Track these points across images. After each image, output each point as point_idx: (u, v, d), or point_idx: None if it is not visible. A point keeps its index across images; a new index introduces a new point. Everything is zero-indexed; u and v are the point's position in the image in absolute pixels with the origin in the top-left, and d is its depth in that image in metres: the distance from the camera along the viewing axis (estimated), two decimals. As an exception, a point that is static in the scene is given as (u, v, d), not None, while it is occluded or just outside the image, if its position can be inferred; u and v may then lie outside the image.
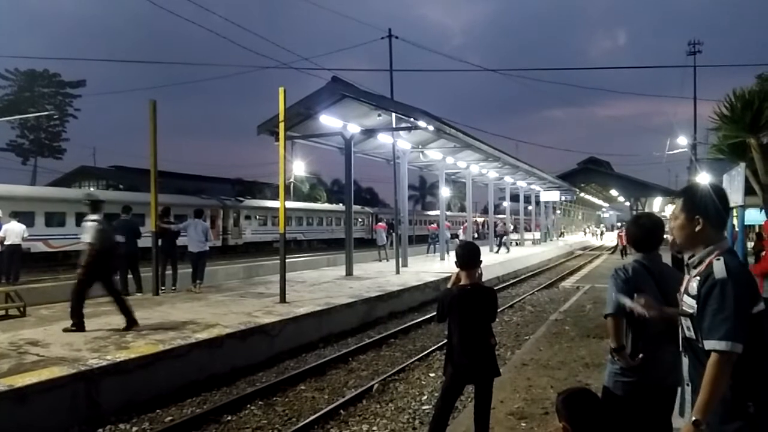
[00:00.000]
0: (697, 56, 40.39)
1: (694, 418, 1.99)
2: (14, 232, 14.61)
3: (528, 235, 41.17)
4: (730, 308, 2.00)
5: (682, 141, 32.60)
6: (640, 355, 2.86)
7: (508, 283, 18.58)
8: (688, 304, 2.18)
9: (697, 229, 2.23)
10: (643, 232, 3.07)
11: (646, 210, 52.07)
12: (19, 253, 15.06)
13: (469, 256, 4.08)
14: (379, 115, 15.95)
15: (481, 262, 4.14)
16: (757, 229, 15.61)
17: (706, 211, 2.23)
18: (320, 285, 13.45)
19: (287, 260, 11.35)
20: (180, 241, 12.39)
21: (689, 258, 2.30)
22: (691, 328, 2.17)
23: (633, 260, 3.03)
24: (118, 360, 6.13)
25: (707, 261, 2.16)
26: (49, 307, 10.01)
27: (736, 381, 2.02)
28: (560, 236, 53.20)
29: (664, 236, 3.27)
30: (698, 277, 2.16)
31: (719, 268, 2.08)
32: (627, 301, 2.75)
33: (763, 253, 7.70)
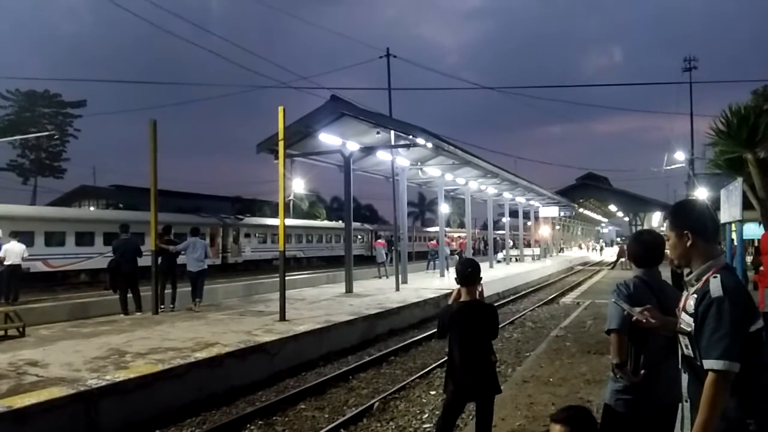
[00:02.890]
0: (692, 72, 40.72)
1: None
2: (14, 252, 14.60)
3: (528, 251, 41.13)
4: (726, 327, 2.00)
5: (680, 156, 32.75)
6: (642, 371, 2.85)
7: (508, 300, 18.53)
8: (686, 322, 2.18)
9: (689, 244, 2.24)
10: (644, 248, 3.10)
11: (645, 225, 52.09)
12: (19, 272, 15.04)
13: (469, 273, 4.10)
14: (378, 133, 16.04)
15: (481, 278, 4.16)
16: (755, 243, 15.62)
17: (694, 226, 2.25)
18: (320, 302, 13.42)
19: (287, 278, 11.35)
20: (179, 259, 12.37)
21: (687, 275, 2.31)
22: (690, 347, 2.17)
23: (634, 276, 3.05)
24: (118, 380, 6.10)
25: (704, 278, 2.16)
26: (48, 327, 9.97)
27: (738, 398, 2.02)
28: (560, 251, 53.14)
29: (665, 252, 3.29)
30: (695, 295, 2.16)
31: (716, 286, 2.08)
32: (627, 307, 2.75)
33: (761, 267, 7.70)
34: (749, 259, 15.15)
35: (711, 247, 2.26)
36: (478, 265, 4.21)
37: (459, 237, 32.76)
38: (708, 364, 2.01)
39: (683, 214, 2.34)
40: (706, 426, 1.97)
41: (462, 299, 4.10)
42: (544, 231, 43.56)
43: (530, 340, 11.17)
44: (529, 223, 42.94)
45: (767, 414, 2.03)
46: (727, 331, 1.99)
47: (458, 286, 4.14)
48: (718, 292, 2.06)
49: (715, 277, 2.11)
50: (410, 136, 15.82)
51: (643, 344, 2.86)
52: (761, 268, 7.81)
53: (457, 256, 26.57)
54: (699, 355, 2.09)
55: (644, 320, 2.58)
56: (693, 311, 2.13)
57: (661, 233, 3.76)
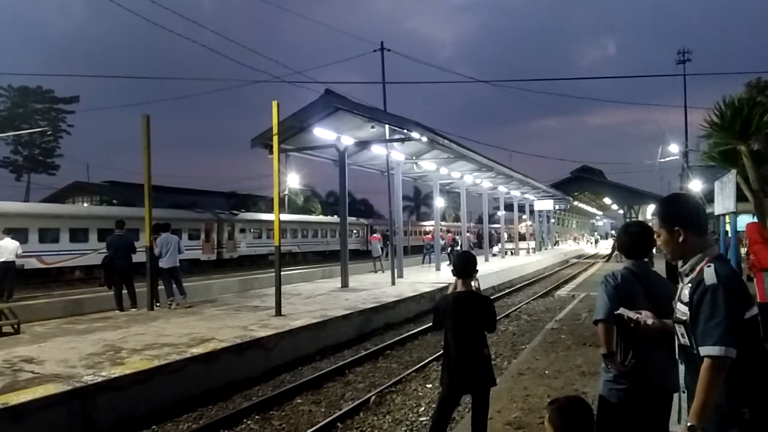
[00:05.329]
0: (686, 65, 40.73)
1: (689, 424, 2.01)
2: (8, 249, 14.53)
3: (523, 244, 41.21)
4: (721, 314, 2.02)
5: (674, 149, 32.83)
6: (632, 360, 2.87)
7: (503, 293, 18.59)
8: (681, 311, 2.20)
9: (681, 239, 2.26)
10: (632, 240, 3.13)
11: (640, 217, 52.27)
12: (13, 269, 14.98)
13: (465, 265, 4.16)
14: (373, 127, 16.02)
15: (477, 271, 4.21)
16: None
17: (684, 221, 2.28)
18: (316, 297, 13.43)
19: (282, 273, 11.34)
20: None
21: (681, 267, 2.33)
22: (686, 335, 2.19)
23: (623, 267, 3.07)
24: (114, 376, 6.10)
25: (698, 268, 2.19)
26: (43, 323, 9.95)
27: (731, 388, 2.04)
28: (555, 245, 53.27)
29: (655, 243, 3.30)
30: (690, 284, 2.19)
31: (709, 274, 2.10)
32: (628, 313, 2.75)
33: (751, 256, 7.73)
34: (743, 250, 15.20)
35: (703, 239, 2.29)
36: (474, 258, 4.28)
37: (448, 231, 32.67)
38: (704, 350, 2.03)
39: (671, 210, 2.36)
40: (703, 411, 1.99)
41: (458, 290, 4.15)
42: (525, 226, 43.24)
43: (525, 333, 11.21)
44: (524, 217, 42.96)
45: (761, 402, 2.05)
46: (722, 317, 2.02)
47: (455, 278, 4.20)
48: (712, 279, 2.08)
49: (708, 266, 2.14)
50: (405, 130, 15.81)
51: (632, 334, 2.88)
52: (751, 257, 7.84)
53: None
54: (695, 344, 2.11)
55: (641, 323, 2.59)
56: (687, 300, 2.16)
57: (653, 225, 3.78)
